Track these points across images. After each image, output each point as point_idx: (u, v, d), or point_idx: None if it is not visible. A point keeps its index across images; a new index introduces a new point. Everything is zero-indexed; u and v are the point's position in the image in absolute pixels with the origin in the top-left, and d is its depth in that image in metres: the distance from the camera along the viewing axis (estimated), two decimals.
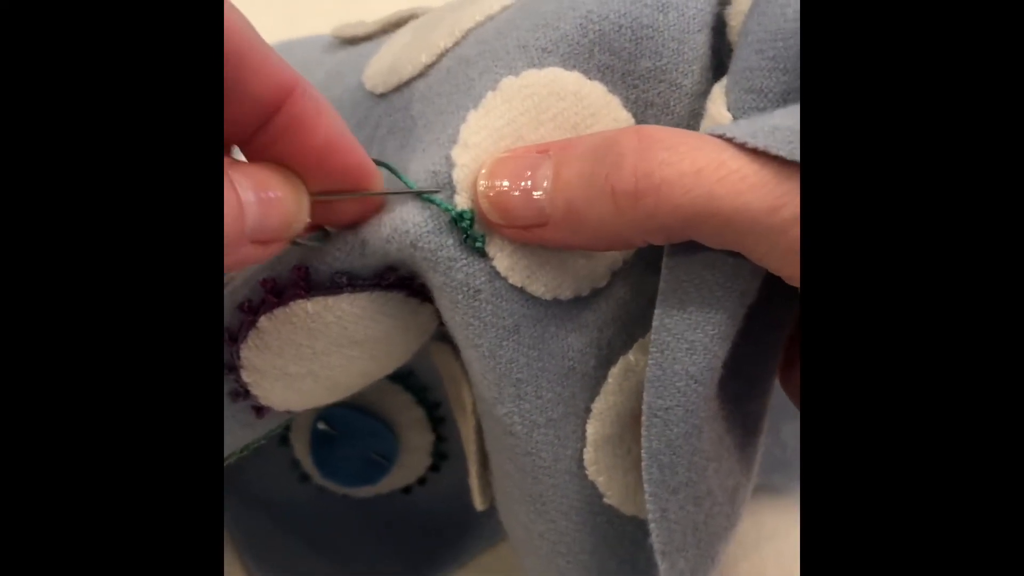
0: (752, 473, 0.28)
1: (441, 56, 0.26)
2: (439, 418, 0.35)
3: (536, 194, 0.23)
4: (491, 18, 0.26)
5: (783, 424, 0.38)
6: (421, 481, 0.37)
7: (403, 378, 0.34)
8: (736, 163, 0.20)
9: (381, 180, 0.24)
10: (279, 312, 0.25)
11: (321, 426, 0.35)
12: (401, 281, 0.25)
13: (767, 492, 0.38)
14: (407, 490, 0.37)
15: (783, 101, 0.22)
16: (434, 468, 0.36)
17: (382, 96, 0.27)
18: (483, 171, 0.23)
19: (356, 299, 0.25)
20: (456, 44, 0.26)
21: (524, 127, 0.24)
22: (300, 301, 0.24)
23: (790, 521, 0.37)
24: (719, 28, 0.25)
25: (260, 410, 0.27)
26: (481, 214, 0.23)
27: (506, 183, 0.23)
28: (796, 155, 0.20)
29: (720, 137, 0.21)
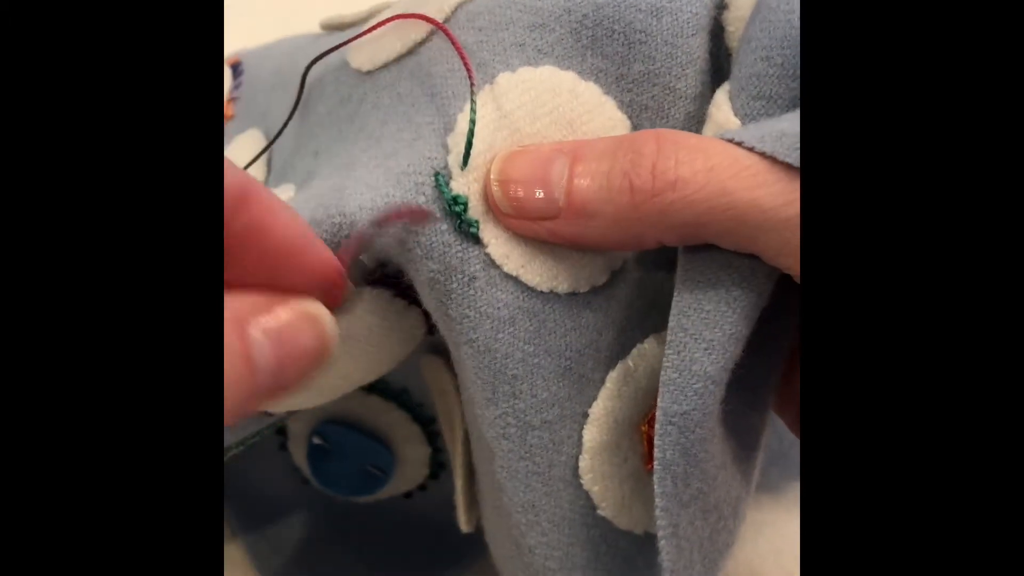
0: (751, 488, 0.27)
1: (432, 34, 0.26)
2: (435, 432, 0.35)
3: (550, 187, 0.23)
4: None
5: None
6: (421, 487, 0.37)
7: (396, 396, 0.34)
8: (748, 160, 0.21)
9: (346, 281, 0.23)
10: None
11: (316, 440, 0.35)
12: (387, 279, 0.24)
13: (762, 484, 0.38)
14: (408, 495, 0.37)
15: (793, 107, 0.22)
16: (433, 476, 0.36)
17: (368, 73, 0.27)
18: (497, 161, 0.23)
19: None
20: (447, 21, 0.26)
21: (521, 120, 0.24)
22: None
23: (785, 513, 0.38)
24: (716, 32, 0.25)
25: None
26: (492, 203, 0.23)
27: (520, 174, 0.23)
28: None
29: (730, 141, 0.22)
